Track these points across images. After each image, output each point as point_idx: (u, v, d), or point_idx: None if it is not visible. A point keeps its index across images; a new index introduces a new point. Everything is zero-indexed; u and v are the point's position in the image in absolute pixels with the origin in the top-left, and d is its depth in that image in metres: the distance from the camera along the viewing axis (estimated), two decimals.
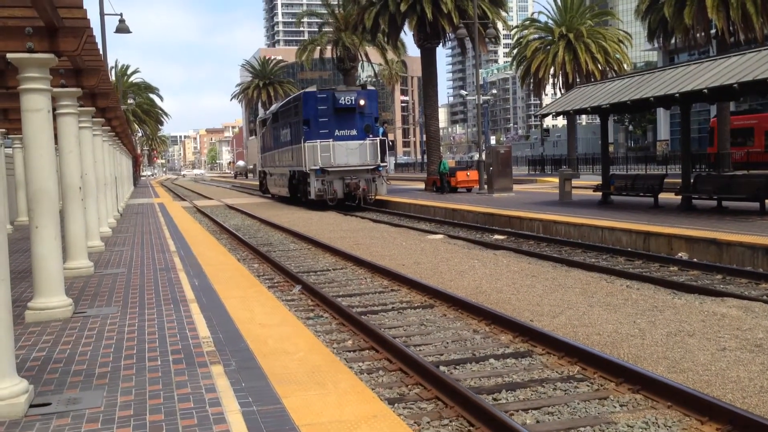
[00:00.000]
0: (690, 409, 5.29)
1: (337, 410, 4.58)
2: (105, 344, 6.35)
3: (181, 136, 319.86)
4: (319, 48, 54.78)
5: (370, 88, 29.02)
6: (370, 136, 27.31)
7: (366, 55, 50.57)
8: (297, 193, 29.99)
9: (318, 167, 26.60)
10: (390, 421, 4.42)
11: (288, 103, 31.88)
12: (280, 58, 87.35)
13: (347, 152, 26.98)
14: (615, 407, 5.58)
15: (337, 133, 27.08)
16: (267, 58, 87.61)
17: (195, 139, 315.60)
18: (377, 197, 27.52)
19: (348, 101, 27.05)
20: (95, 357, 5.93)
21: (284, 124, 31.85)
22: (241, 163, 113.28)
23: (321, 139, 26.80)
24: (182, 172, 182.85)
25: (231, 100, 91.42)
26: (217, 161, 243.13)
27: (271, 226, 22.11)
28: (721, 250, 12.35)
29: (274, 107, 37.33)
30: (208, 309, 7.70)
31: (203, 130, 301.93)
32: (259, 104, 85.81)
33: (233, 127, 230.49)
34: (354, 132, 27.30)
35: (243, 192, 52.80)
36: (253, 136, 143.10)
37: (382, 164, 27.64)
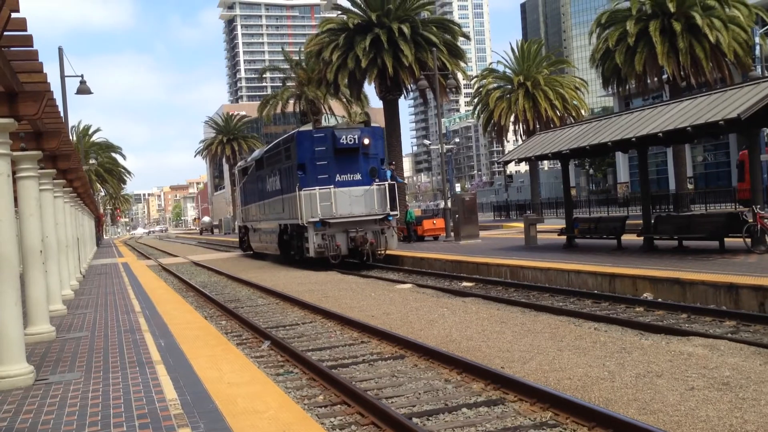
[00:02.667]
0: None
1: None
2: (68, 411, 6.17)
3: (145, 194, 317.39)
4: (281, 102, 55.28)
5: (374, 125, 25.30)
6: (377, 180, 23.56)
7: (330, 108, 51.20)
8: (290, 250, 25.80)
9: (317, 219, 22.57)
10: None
11: (276, 147, 27.54)
12: (243, 113, 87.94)
13: (351, 200, 23.11)
14: None
15: (338, 178, 23.15)
16: (230, 113, 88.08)
17: (159, 196, 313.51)
18: (387, 252, 23.72)
19: (350, 141, 23.15)
20: (58, 425, 5.76)
21: (272, 170, 27.60)
22: (206, 218, 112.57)
23: (320, 186, 22.83)
24: (136, 231, 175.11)
25: (195, 156, 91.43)
26: (182, 218, 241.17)
27: (239, 281, 21.90)
28: (685, 289, 12.54)
29: (257, 153, 32.57)
30: (174, 370, 7.56)
31: (167, 187, 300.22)
32: (224, 159, 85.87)
33: (198, 183, 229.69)
34: (358, 176, 23.41)
35: (210, 248, 52.34)
36: (219, 191, 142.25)
37: (392, 213, 23.60)
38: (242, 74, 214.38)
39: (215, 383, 6.88)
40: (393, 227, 23.82)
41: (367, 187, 23.42)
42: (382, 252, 23.38)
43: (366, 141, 23.36)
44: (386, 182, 23.64)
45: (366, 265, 23.36)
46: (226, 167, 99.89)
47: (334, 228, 22.84)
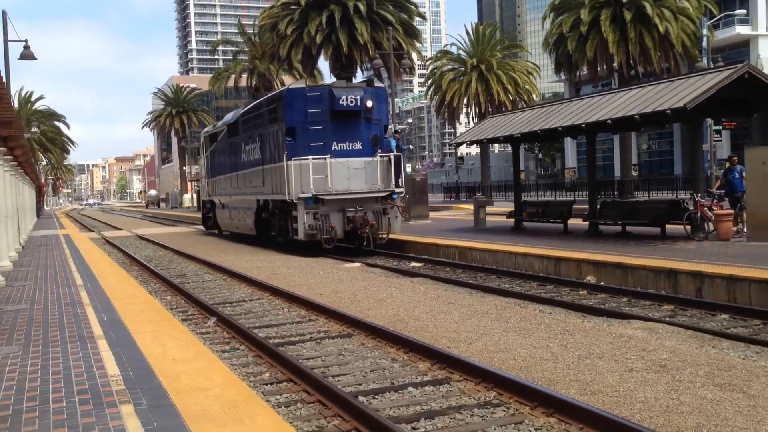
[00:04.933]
0: (601, 430, 5.43)
1: None
2: (5, 386, 6.01)
3: (89, 165, 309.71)
4: (233, 76, 54.45)
5: (378, 84, 21.19)
6: (380, 150, 19.97)
7: (282, 83, 50.61)
8: (270, 231, 22.26)
9: (309, 195, 18.94)
10: None
11: (257, 108, 23.09)
12: (193, 85, 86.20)
13: (350, 173, 19.42)
14: (530, 431, 5.67)
15: (335, 146, 19.41)
16: (180, 85, 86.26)
17: (104, 167, 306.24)
18: (391, 236, 20.15)
19: (351, 102, 19.38)
20: None
21: (250, 136, 23.47)
22: (153, 192, 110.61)
23: (313, 156, 19.07)
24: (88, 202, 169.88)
25: (142, 128, 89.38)
26: (128, 190, 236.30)
27: (185, 256, 21.59)
28: (627, 273, 12.86)
29: (230, 116, 27.44)
30: (117, 345, 7.42)
31: (112, 158, 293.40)
32: (172, 132, 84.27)
33: (144, 156, 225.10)
34: (358, 145, 19.75)
35: (156, 222, 51.47)
36: (167, 164, 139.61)
37: (397, 190, 20.11)
38: (193, 46, 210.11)
39: (159, 359, 6.77)
40: (398, 207, 20.32)
41: (369, 159, 19.70)
42: (385, 236, 19.71)
43: (369, 104, 19.65)
44: (391, 153, 20.08)
45: (363, 252, 20.00)
46: (174, 140, 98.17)
47: (328, 206, 19.25)
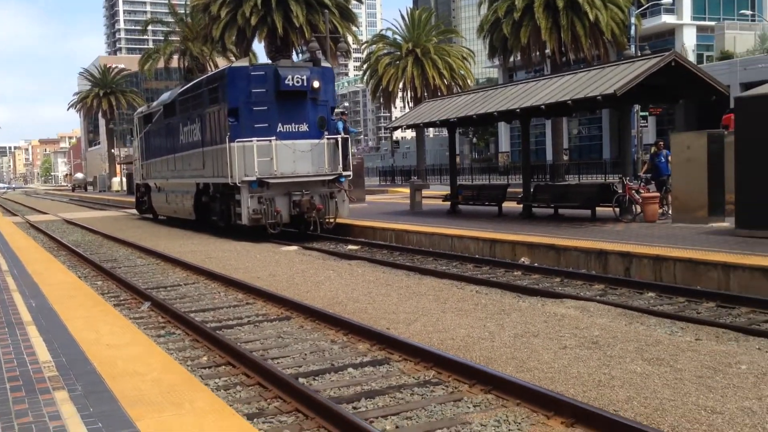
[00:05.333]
0: (537, 405, 5.59)
1: (195, 430, 4.42)
2: None
3: (11, 147, 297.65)
4: (163, 57, 53.13)
5: (325, 64, 20.61)
6: (326, 133, 19.32)
7: (216, 65, 49.64)
8: (210, 216, 21.54)
9: (254, 178, 18.20)
10: None
11: (197, 87, 22.14)
12: (122, 66, 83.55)
13: (296, 156, 18.79)
14: (469, 408, 5.79)
15: (280, 128, 18.69)
16: (108, 66, 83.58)
17: (27, 150, 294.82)
18: (338, 221, 19.69)
19: (297, 82, 18.66)
20: None
21: (189, 117, 22.48)
22: (79, 175, 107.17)
23: (258, 137, 18.32)
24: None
25: (68, 109, 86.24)
26: (52, 173, 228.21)
27: (116, 241, 21.05)
28: (559, 254, 13.19)
29: (167, 95, 26.28)
30: (48, 331, 7.20)
31: (36, 140, 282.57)
32: (99, 114, 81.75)
33: (70, 138, 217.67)
34: (305, 127, 19.04)
35: (84, 206, 49.95)
36: (94, 147, 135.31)
37: (345, 173, 19.57)
38: (121, 25, 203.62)
39: (93, 345, 6.61)
40: (345, 191, 19.81)
41: (316, 141, 19.09)
42: (332, 220, 19.32)
43: (316, 84, 18.97)
44: (338, 136, 19.53)
45: (309, 236, 19.45)
46: (102, 122, 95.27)
47: (273, 190, 18.55)
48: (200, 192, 21.96)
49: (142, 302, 10.86)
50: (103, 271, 14.42)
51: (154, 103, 28.16)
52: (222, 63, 48.47)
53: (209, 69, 48.95)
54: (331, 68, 20.66)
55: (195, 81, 23.90)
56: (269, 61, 35.45)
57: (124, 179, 67.64)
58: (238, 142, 18.40)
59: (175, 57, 52.62)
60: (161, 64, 54.82)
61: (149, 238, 21.26)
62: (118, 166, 78.38)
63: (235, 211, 19.13)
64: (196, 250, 17.32)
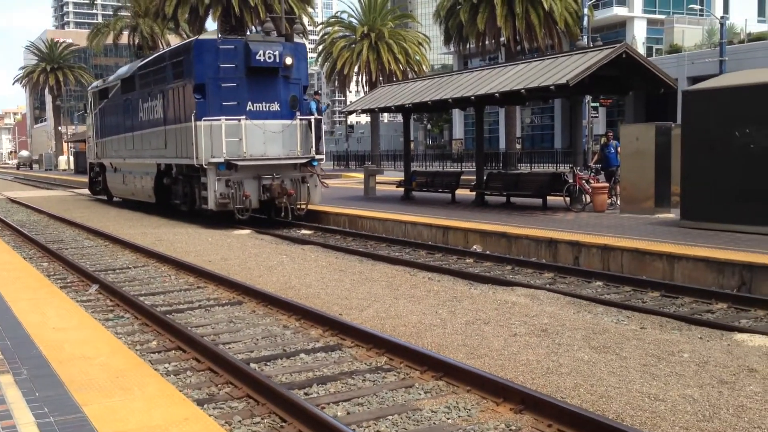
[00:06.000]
0: (487, 392, 5.68)
1: (145, 415, 4.38)
2: None
3: None
4: (113, 33, 51.85)
5: (297, 40, 19.30)
6: (298, 113, 18.25)
7: (168, 43, 48.66)
8: (173, 199, 20.26)
9: (221, 159, 17.07)
10: (201, 422, 4.32)
11: (159, 61, 20.65)
12: (70, 41, 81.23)
13: (266, 137, 17.68)
14: (420, 394, 5.85)
15: (250, 107, 17.62)
16: (55, 40, 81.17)
17: None
18: (310, 207, 18.64)
19: (269, 58, 17.57)
20: None
21: (149, 93, 21.04)
22: (25, 153, 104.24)
23: (226, 116, 17.20)
24: None
25: (13, 84, 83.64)
26: None
27: (62, 221, 20.56)
28: (511, 242, 13.37)
29: (125, 69, 24.66)
30: None
31: None
32: (46, 90, 79.49)
33: (15, 114, 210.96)
34: (276, 106, 17.97)
35: (30, 185, 48.64)
36: (40, 124, 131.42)
37: (317, 157, 18.55)
38: None
39: (39, 328, 6.47)
40: (318, 175, 18.75)
41: (288, 122, 18.00)
42: (304, 206, 18.30)
43: (288, 60, 17.87)
44: (311, 117, 18.44)
45: (278, 223, 18.64)
46: (49, 98, 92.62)
47: (242, 173, 17.45)
48: (161, 173, 20.58)
49: (90, 285, 10.65)
50: (49, 252, 14.08)
51: (111, 77, 26.47)
52: (174, 41, 47.60)
53: (161, 46, 47.94)
54: (304, 45, 19.53)
55: (157, 54, 22.48)
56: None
57: (72, 158, 66.01)
58: (204, 120, 17.23)
59: (125, 33, 51.37)
60: (110, 40, 53.43)
61: (98, 219, 20.82)
62: (65, 144, 76.43)
63: (200, 194, 17.98)
64: (147, 233, 17.03)
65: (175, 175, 19.61)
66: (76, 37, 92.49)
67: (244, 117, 17.38)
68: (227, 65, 17.55)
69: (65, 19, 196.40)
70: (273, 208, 18.31)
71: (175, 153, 19.08)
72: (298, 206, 18.15)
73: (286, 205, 17.70)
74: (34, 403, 4.53)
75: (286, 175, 17.97)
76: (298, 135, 18.11)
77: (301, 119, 18.22)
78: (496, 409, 5.43)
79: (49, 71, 75.08)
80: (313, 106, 18.95)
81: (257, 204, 17.78)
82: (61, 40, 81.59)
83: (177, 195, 19.92)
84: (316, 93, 21.84)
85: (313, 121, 18.40)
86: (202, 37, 18.68)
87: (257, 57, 17.48)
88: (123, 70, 24.89)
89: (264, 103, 17.91)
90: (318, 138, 18.59)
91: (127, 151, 23.54)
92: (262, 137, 17.67)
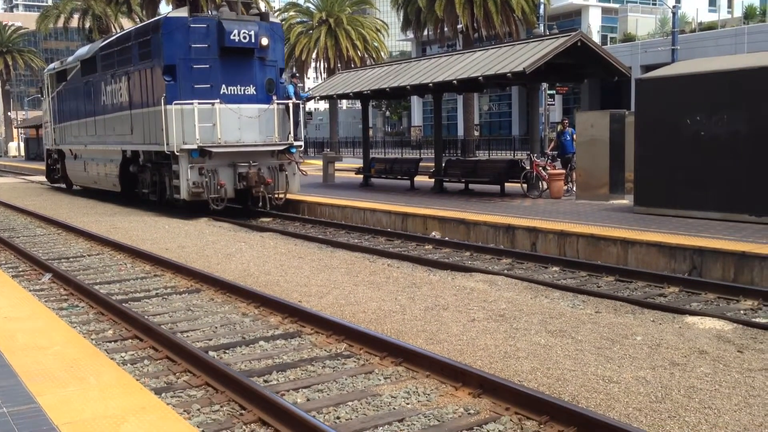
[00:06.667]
0: (446, 376, 5.74)
1: (100, 405, 4.32)
2: None
3: None
4: (64, 16, 50.56)
5: (273, 20, 18.30)
6: (275, 97, 17.44)
7: (121, 27, 47.62)
8: (141, 188, 19.33)
9: (194, 146, 16.19)
10: (159, 411, 4.28)
11: (124, 40, 19.31)
12: (19, 24, 78.89)
13: (242, 123, 16.85)
14: (380, 380, 5.88)
15: (224, 90, 16.74)
16: (4, 23, 78.76)
17: None
18: (289, 196, 17.83)
19: (244, 38, 16.60)
20: None
21: (113, 75, 19.74)
22: None
23: (199, 100, 16.31)
24: None
25: None
26: None
27: (12, 208, 20.05)
28: (469, 228, 13.48)
29: (85, 49, 23.28)
30: None
31: None
32: None
33: None
34: (251, 90, 17.12)
35: None
36: None
37: (296, 143, 17.70)
38: None
39: None
40: (297, 163, 17.91)
41: (265, 106, 17.20)
42: (282, 196, 17.44)
43: (264, 41, 16.93)
44: (289, 101, 17.69)
45: (253, 213, 17.96)
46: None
47: (216, 160, 16.56)
48: (127, 161, 19.42)
49: (43, 273, 10.43)
50: None
51: (70, 59, 24.94)
52: (127, 24, 46.61)
53: (114, 30, 46.89)
54: (280, 25, 18.54)
55: (121, 33, 21.12)
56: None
57: (23, 144, 64.33)
58: (175, 104, 16.29)
59: (76, 16, 50.12)
60: (61, 23, 52.08)
61: (51, 207, 20.37)
62: (15, 131, 74.39)
63: (171, 183, 17.00)
64: (101, 221, 16.72)
65: (143, 162, 18.56)
66: (25, 20, 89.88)
67: (218, 101, 16.55)
68: (199, 45, 16.59)
69: (14, 2, 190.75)
70: (250, 197, 17.55)
71: (143, 139, 18.06)
72: (276, 195, 17.32)
73: (263, 195, 16.90)
74: None
75: (263, 162, 17.14)
76: (275, 120, 17.32)
77: (278, 104, 17.45)
78: (455, 394, 5.49)
79: None
80: (291, 89, 18.18)
81: (233, 193, 16.96)
82: (10, 23, 79.19)
83: (145, 184, 18.94)
84: (293, 76, 20.81)
85: (291, 105, 17.62)
86: (171, 14, 17.41)
87: (231, 37, 16.50)
88: (83, 50, 23.56)
89: (239, 86, 17.02)
90: (296, 123, 17.78)
91: (88, 137, 22.33)
92: (237, 122, 16.80)
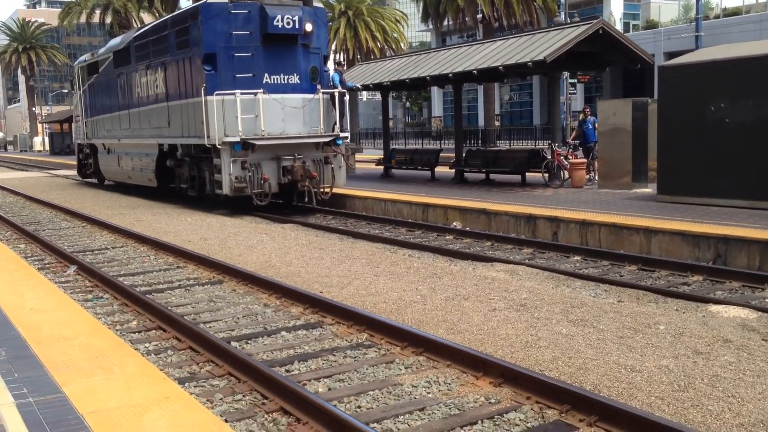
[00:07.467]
0: (467, 366, 5.73)
1: (125, 394, 4.38)
2: None
3: None
4: (86, 11, 50.99)
5: (317, 4, 17.30)
6: (319, 86, 16.47)
7: (142, 21, 47.97)
8: (179, 183, 18.54)
9: (237, 139, 15.38)
10: (182, 401, 4.33)
11: (160, 29, 18.50)
12: (42, 20, 79.82)
13: (285, 113, 15.91)
14: (401, 370, 5.89)
15: (267, 79, 15.80)
16: (27, 19, 79.66)
17: None
18: (335, 191, 16.88)
19: (288, 24, 15.66)
20: None
21: (148, 66, 18.96)
22: None
23: (241, 90, 15.44)
24: None
25: None
26: None
27: (38, 202, 20.33)
28: (490, 219, 13.44)
29: (117, 40, 22.50)
30: None
31: None
32: (19, 70, 78.15)
33: None
34: (296, 78, 16.14)
35: (4, 166, 47.97)
36: (13, 105, 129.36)
37: (342, 135, 16.72)
38: None
39: (17, 309, 6.43)
40: (342, 155, 16.87)
41: (310, 96, 16.23)
42: (328, 190, 16.49)
43: (308, 27, 16.02)
44: (335, 90, 16.69)
45: (299, 209, 17.05)
46: (22, 79, 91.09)
47: (260, 153, 15.68)
48: (164, 155, 18.63)
49: (68, 266, 10.57)
50: (26, 233, 13.94)
51: (101, 50, 24.10)
52: (148, 19, 46.91)
53: (134, 24, 47.24)
54: (323, 9, 17.61)
55: (156, 22, 20.44)
56: None
57: (47, 139, 65.09)
58: (216, 95, 15.46)
59: (97, 12, 50.53)
60: (83, 19, 52.58)
61: (75, 200, 20.62)
62: (39, 125, 75.34)
63: (211, 178, 16.28)
64: (125, 213, 16.90)
65: (181, 156, 17.76)
66: (48, 16, 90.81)
67: (261, 90, 15.57)
68: (240, 32, 15.69)
69: None
70: (295, 192, 16.72)
71: (181, 132, 17.24)
72: (322, 190, 16.35)
73: (309, 189, 16.03)
74: (13, 384, 4.52)
75: (308, 155, 16.17)
76: (320, 110, 16.31)
77: (323, 93, 16.45)
78: (475, 383, 5.49)
79: (21, 51, 73.71)
80: (336, 78, 17.14)
81: (276, 188, 16.02)
82: (33, 20, 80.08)
83: (183, 179, 18.17)
84: (339, 64, 20.26)
85: (336, 94, 16.63)
86: (210, 0, 16.12)
87: (275, 23, 15.51)
88: (116, 41, 22.84)
89: (282, 75, 16.03)
90: (342, 114, 16.76)
91: (122, 131, 21.49)
92: (281, 113, 15.86)
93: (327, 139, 16.39)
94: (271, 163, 15.86)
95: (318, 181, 16.20)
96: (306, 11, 16.20)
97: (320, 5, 17.51)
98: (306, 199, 16.35)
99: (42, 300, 6.87)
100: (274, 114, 15.74)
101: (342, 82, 17.21)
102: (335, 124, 16.56)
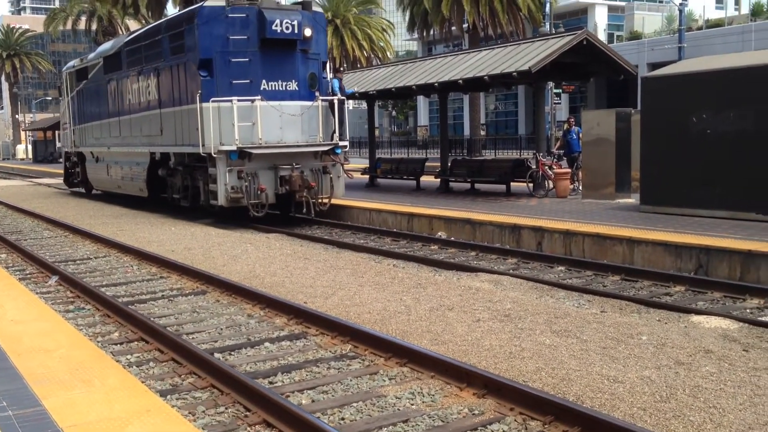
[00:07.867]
0: (450, 377, 5.73)
1: (105, 407, 4.34)
2: None
3: None
4: (71, 18, 50.77)
5: (315, 9, 16.68)
6: (318, 93, 15.94)
7: (127, 28, 47.81)
8: (171, 193, 17.96)
9: (233, 147, 14.82)
10: (164, 414, 4.29)
11: (153, 33, 17.94)
12: (26, 27, 79.41)
13: (283, 121, 15.37)
14: (384, 381, 5.88)
15: (264, 86, 15.28)
16: (11, 26, 79.19)
17: None
18: (333, 201, 16.33)
19: (287, 29, 15.14)
20: None
21: (140, 71, 18.30)
22: None
23: (238, 97, 14.92)
24: None
25: None
26: None
27: (20, 211, 20.15)
28: (475, 228, 13.47)
29: (108, 45, 21.84)
30: None
31: None
32: (2, 77, 77.62)
33: None
34: (294, 85, 15.65)
35: None
36: None
37: (341, 143, 16.21)
38: None
39: None
40: (341, 165, 16.35)
41: (308, 103, 15.66)
42: (327, 201, 15.99)
43: (308, 32, 15.50)
44: (334, 97, 16.23)
45: (297, 221, 16.48)
46: (5, 86, 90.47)
47: (256, 162, 15.10)
48: (155, 164, 18.04)
49: (50, 276, 10.48)
50: (6, 243, 13.81)
51: (91, 55, 23.29)
52: (134, 26, 46.74)
53: (120, 32, 47.07)
54: (323, 14, 17.13)
55: (149, 26, 19.86)
56: None
57: (30, 147, 64.63)
58: (212, 102, 14.84)
59: (83, 18, 50.33)
60: (69, 26, 52.34)
61: (58, 209, 20.47)
62: (23, 133, 74.80)
63: (206, 188, 15.68)
64: (108, 223, 16.79)
65: (174, 165, 17.16)
66: (32, 22, 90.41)
67: (258, 97, 15.03)
68: (238, 37, 15.13)
69: (21, 5, 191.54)
70: (292, 203, 16.13)
71: (174, 140, 16.69)
72: (321, 200, 15.85)
73: (307, 200, 15.46)
74: None
75: (306, 164, 15.65)
76: (319, 118, 15.81)
77: (322, 100, 15.92)
78: (459, 394, 5.49)
79: (5, 58, 73.28)
80: (336, 84, 16.61)
81: (273, 198, 15.51)
82: (18, 26, 79.65)
83: (175, 188, 17.55)
84: (337, 70, 19.12)
85: (336, 102, 16.18)
86: (207, 3, 15.42)
87: (273, 27, 14.98)
88: (106, 46, 22.15)
89: (280, 82, 15.50)
90: (341, 122, 16.30)
91: (112, 139, 20.86)
92: (278, 121, 15.31)
93: (326, 148, 15.93)
94: (268, 173, 15.32)
95: (316, 191, 15.75)
96: (305, 16, 15.74)
97: (320, 10, 17.00)
98: (304, 210, 15.79)
99: (22, 311, 6.80)
100: (271, 122, 15.23)
101: (341, 89, 16.81)
102: (334, 132, 16.16)
